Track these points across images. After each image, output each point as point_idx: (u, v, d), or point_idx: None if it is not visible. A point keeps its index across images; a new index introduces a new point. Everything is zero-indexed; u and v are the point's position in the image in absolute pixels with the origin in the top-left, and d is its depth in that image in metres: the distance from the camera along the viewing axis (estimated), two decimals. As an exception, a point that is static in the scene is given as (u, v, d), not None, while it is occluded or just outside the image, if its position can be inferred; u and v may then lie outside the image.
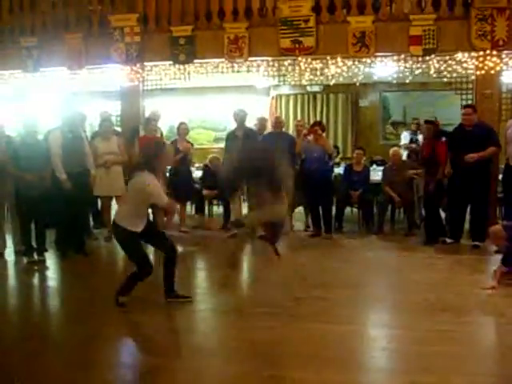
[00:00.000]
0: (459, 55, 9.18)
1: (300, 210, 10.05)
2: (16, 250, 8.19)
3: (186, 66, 10.36)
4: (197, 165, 11.16)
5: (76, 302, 6.12)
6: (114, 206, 9.40)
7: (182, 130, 9.72)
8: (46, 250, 7.94)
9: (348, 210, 10.09)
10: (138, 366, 4.41)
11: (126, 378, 4.20)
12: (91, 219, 9.63)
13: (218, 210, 10.73)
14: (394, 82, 10.87)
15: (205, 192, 10.23)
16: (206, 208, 10.62)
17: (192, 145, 9.87)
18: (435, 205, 8.60)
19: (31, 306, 6.30)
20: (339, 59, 9.79)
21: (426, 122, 9.15)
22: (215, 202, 10.67)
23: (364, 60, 9.72)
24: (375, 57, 9.52)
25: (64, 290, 6.81)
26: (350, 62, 9.88)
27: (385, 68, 9.96)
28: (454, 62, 9.40)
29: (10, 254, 8.17)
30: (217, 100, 14.12)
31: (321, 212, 9.13)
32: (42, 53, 10.64)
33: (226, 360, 4.49)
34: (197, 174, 10.70)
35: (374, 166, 11.32)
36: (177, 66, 10.36)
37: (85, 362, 4.37)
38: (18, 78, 11.33)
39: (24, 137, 7.77)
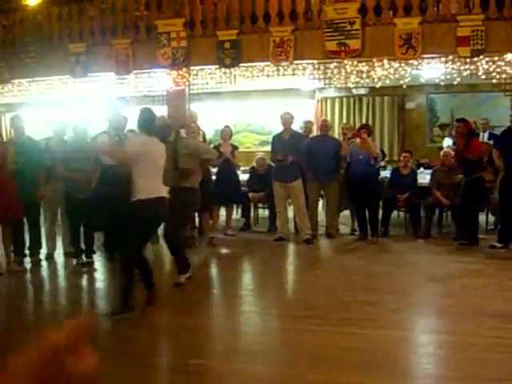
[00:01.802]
0: (508, 56, 9.00)
1: (346, 213, 10.01)
2: (65, 251, 8.36)
3: (232, 69, 10.41)
4: (242, 168, 11.19)
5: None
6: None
7: (225, 133, 9.75)
8: (94, 252, 8.07)
9: (394, 213, 9.99)
10: (184, 368, 4.44)
11: (174, 379, 4.23)
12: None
13: (264, 213, 10.74)
14: (442, 83, 10.70)
15: (251, 195, 10.23)
16: (252, 211, 10.63)
17: (236, 148, 9.89)
18: (471, 206, 8.44)
19: (80, 306, 6.41)
20: (385, 61, 9.71)
21: (457, 120, 8.97)
22: (261, 205, 10.67)
23: (411, 62, 9.60)
24: (422, 58, 9.40)
25: (111, 291, 6.91)
26: (396, 64, 9.78)
27: (432, 70, 9.83)
28: (503, 63, 9.23)
29: (59, 256, 8.35)
30: (262, 103, 14.14)
31: (367, 216, 9.06)
32: (90, 58, 10.83)
33: (271, 363, 4.48)
34: (243, 176, 10.73)
35: (421, 168, 11.16)
36: (222, 69, 10.43)
37: (132, 362, 4.42)
38: (67, 84, 11.57)
39: (73, 140, 7.93)
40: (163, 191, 5.67)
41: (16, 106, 14.17)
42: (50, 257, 8.25)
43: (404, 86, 11.24)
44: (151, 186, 5.47)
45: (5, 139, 8.98)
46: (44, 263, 8.06)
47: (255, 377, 4.16)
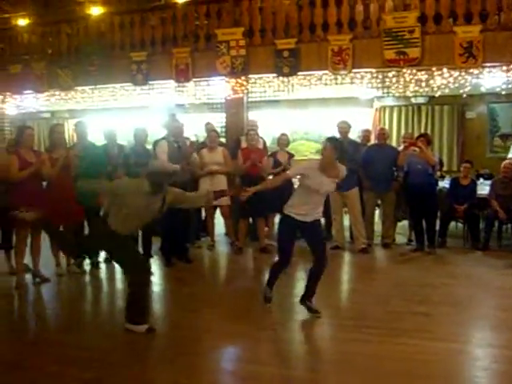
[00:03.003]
0: None
1: (403, 223, 9.91)
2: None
3: (290, 78, 10.46)
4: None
5: (177, 307, 6.30)
6: (218, 215, 9.62)
7: (282, 141, 9.77)
8: (152, 256, 8.21)
9: (452, 224, 9.82)
10: (237, 373, 4.48)
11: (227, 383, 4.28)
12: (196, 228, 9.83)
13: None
14: (503, 92, 10.49)
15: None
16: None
17: (293, 156, 9.90)
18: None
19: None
20: (445, 70, 9.58)
21: None
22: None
23: (471, 71, 9.44)
24: (483, 67, 9.23)
25: (167, 295, 7.03)
26: (456, 73, 9.63)
27: (493, 78, 9.64)
28: None
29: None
30: (319, 112, 14.13)
31: (424, 226, 8.94)
32: (151, 66, 11.05)
33: (322, 371, 4.49)
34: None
35: (481, 179, 10.95)
36: (280, 78, 10.48)
37: (186, 366, 4.48)
38: (128, 91, 11.83)
39: (134, 146, 8.12)
40: None
41: (79, 112, 14.58)
42: (108, 260, 8.43)
43: (464, 95, 11.07)
44: None
45: (68, 145, 9.20)
46: (102, 265, 8.26)
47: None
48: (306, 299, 5.87)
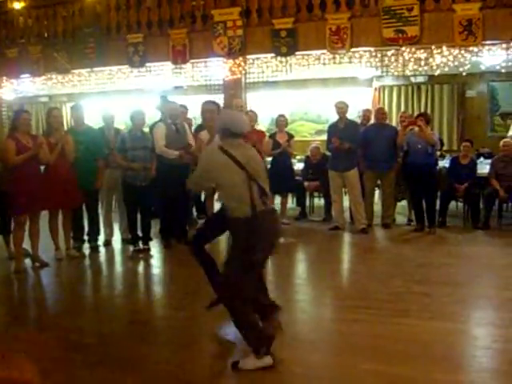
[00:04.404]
0: None
1: (403, 203, 9.89)
2: (123, 238, 8.55)
3: (288, 58, 10.39)
4: (298, 157, 11.15)
5: (178, 289, 6.30)
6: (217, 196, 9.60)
7: (281, 122, 9.73)
8: (151, 239, 8.20)
9: (453, 204, 9.79)
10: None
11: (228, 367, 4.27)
12: (194, 209, 9.80)
13: (320, 201, 10.69)
14: (503, 71, 10.40)
15: (306, 184, 10.21)
16: (308, 200, 10.58)
17: (292, 137, 9.86)
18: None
19: (136, 292, 6.54)
20: (445, 48, 9.50)
21: None
22: (316, 194, 10.63)
23: (471, 49, 9.36)
24: (483, 45, 9.15)
25: (167, 277, 7.02)
26: (455, 51, 9.55)
27: (493, 57, 9.55)
28: None
29: (117, 242, 8.53)
30: (318, 92, 14.05)
31: (424, 206, 8.91)
32: (148, 48, 10.98)
33: (323, 352, 4.48)
34: (298, 166, 10.71)
35: (481, 158, 10.91)
36: (278, 58, 10.41)
37: (189, 348, 4.48)
38: (126, 73, 11.76)
39: (131, 129, 8.07)
40: None
41: (76, 96, 14.50)
42: (107, 243, 8.44)
43: (464, 74, 10.97)
44: None
45: (65, 128, 9.18)
46: (102, 249, 8.25)
47: (307, 365, 4.16)
48: None
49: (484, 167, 9.73)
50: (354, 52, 9.93)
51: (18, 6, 13.17)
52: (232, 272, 4.08)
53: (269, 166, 9.23)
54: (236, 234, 4.15)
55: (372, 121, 10.12)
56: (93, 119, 9.17)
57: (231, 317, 4.13)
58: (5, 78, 12.67)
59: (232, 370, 4.07)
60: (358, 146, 8.95)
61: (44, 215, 7.47)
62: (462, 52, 9.54)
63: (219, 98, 10.95)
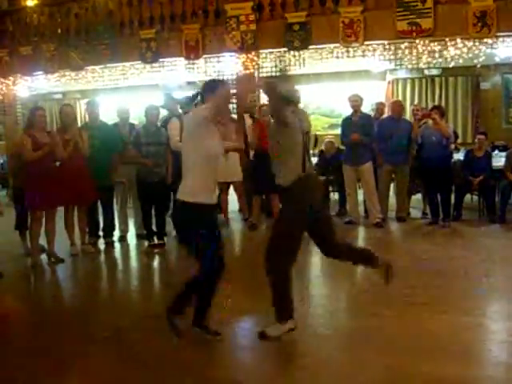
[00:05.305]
0: None
1: (417, 196, 9.84)
2: (137, 233, 8.58)
3: (301, 52, 10.36)
4: (311, 151, 11.11)
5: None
6: (231, 192, 9.60)
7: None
8: (166, 234, 8.22)
9: (468, 197, 9.74)
10: (255, 348, 4.47)
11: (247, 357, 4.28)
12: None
13: (334, 196, 10.67)
14: (518, 62, 10.35)
15: (320, 179, 10.17)
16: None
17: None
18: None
19: (151, 286, 6.57)
20: (459, 40, 9.46)
21: None
22: (330, 188, 10.60)
23: (485, 41, 9.31)
24: (497, 37, 9.10)
25: (182, 272, 7.02)
26: (470, 43, 9.51)
27: (507, 48, 9.48)
28: None
29: (132, 238, 8.56)
30: (332, 86, 14.02)
31: (439, 199, 8.86)
32: (160, 44, 11.00)
33: (339, 347, 4.48)
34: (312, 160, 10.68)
35: (496, 151, 10.83)
36: (291, 52, 10.39)
37: (205, 343, 4.48)
38: (139, 69, 11.79)
39: (145, 124, 8.08)
40: None
41: (90, 92, 14.56)
42: (122, 239, 8.47)
43: (478, 66, 10.93)
44: None
45: (79, 124, 9.22)
46: (117, 245, 8.29)
47: (325, 359, 4.16)
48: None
49: (499, 160, 9.65)
50: (367, 45, 9.90)
51: (31, 3, 13.25)
52: (282, 239, 4.45)
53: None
54: (289, 197, 4.51)
55: (385, 114, 10.07)
56: (106, 115, 9.18)
57: (273, 280, 4.42)
58: (19, 75, 12.75)
59: (260, 339, 4.40)
60: (373, 139, 8.92)
61: (59, 211, 7.51)
62: (477, 44, 9.49)
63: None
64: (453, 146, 9.76)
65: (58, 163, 7.24)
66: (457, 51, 9.74)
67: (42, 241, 7.39)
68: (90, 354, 4.39)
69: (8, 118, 13.53)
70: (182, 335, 4.41)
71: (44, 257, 7.44)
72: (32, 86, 13.41)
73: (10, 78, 12.93)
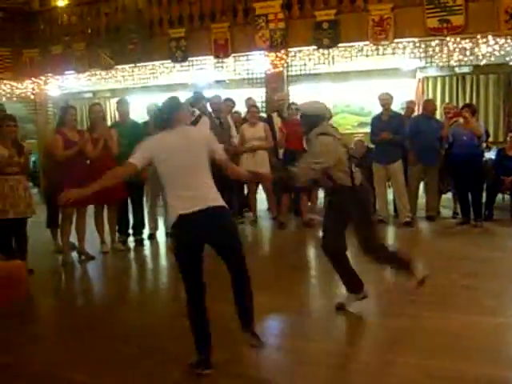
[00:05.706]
0: None
1: (448, 196, 9.74)
2: (167, 231, 8.61)
3: (330, 50, 10.32)
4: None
5: (221, 282, 6.30)
6: (260, 190, 9.61)
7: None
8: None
9: (499, 196, 9.61)
10: (281, 347, 4.46)
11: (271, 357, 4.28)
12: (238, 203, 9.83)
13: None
14: (551, 59, 10.18)
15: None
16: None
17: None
18: None
19: (180, 285, 6.57)
20: (490, 38, 9.32)
21: None
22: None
23: (517, 38, 9.17)
24: (529, 34, 8.96)
25: (211, 270, 7.04)
26: (501, 41, 9.37)
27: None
28: None
29: (161, 236, 8.61)
30: (361, 84, 13.93)
31: (470, 198, 8.75)
32: (190, 43, 11.04)
33: (367, 346, 4.47)
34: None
35: (529, 150, 10.65)
36: (321, 50, 10.35)
37: (227, 342, 4.49)
38: (168, 68, 11.85)
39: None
40: None
41: (120, 91, 14.67)
42: (152, 237, 8.52)
43: (510, 63, 10.75)
44: None
45: (109, 123, 9.31)
46: (146, 242, 8.35)
47: (351, 359, 4.15)
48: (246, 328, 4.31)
49: (532, 159, 9.50)
50: (397, 43, 9.82)
51: (61, 3, 13.40)
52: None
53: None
54: (340, 200, 4.91)
55: (416, 113, 9.97)
56: (136, 114, 9.24)
57: (384, 258, 5.14)
58: (50, 74, 12.91)
59: (337, 311, 5.03)
60: (405, 138, 8.85)
61: (89, 209, 7.59)
62: (509, 41, 9.35)
63: (261, 92, 10.99)
64: (484, 145, 9.63)
65: (88, 161, 7.33)
66: (488, 49, 9.61)
67: (73, 239, 7.48)
68: (116, 351, 4.43)
69: (39, 117, 13.73)
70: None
71: (75, 254, 7.53)
72: (63, 85, 13.57)
73: (42, 77, 13.11)
